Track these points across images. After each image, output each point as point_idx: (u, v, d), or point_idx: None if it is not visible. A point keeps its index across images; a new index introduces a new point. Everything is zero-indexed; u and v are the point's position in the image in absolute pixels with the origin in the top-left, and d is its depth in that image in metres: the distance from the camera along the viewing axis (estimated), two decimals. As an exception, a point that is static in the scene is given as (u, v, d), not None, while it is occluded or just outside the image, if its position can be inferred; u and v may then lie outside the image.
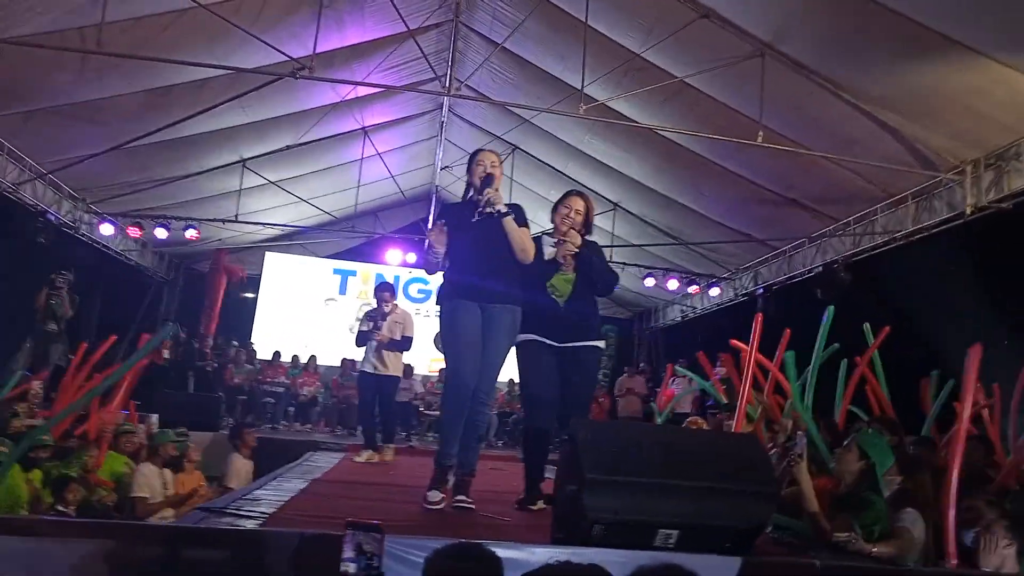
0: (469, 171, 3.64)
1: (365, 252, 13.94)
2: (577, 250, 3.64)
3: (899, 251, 7.87)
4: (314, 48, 6.63)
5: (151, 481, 5.39)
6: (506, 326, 3.50)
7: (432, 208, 12.65)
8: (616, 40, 7.03)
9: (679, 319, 13.30)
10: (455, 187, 11.79)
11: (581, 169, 9.90)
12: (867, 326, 5.09)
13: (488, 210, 3.43)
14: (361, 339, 6.43)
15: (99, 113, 7.58)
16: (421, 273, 11.86)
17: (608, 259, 5.29)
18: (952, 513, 3.11)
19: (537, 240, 3.69)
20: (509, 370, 3.82)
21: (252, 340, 12.44)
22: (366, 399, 6.57)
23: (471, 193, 3.60)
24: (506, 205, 3.53)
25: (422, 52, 7.84)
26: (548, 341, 3.62)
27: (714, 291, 11.63)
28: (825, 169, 7.55)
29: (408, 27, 7.17)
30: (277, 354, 11.17)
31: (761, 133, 6.63)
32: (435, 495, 3.42)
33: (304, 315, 13.14)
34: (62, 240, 9.42)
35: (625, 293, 13.29)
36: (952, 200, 7.07)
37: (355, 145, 10.45)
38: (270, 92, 7.68)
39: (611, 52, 7.06)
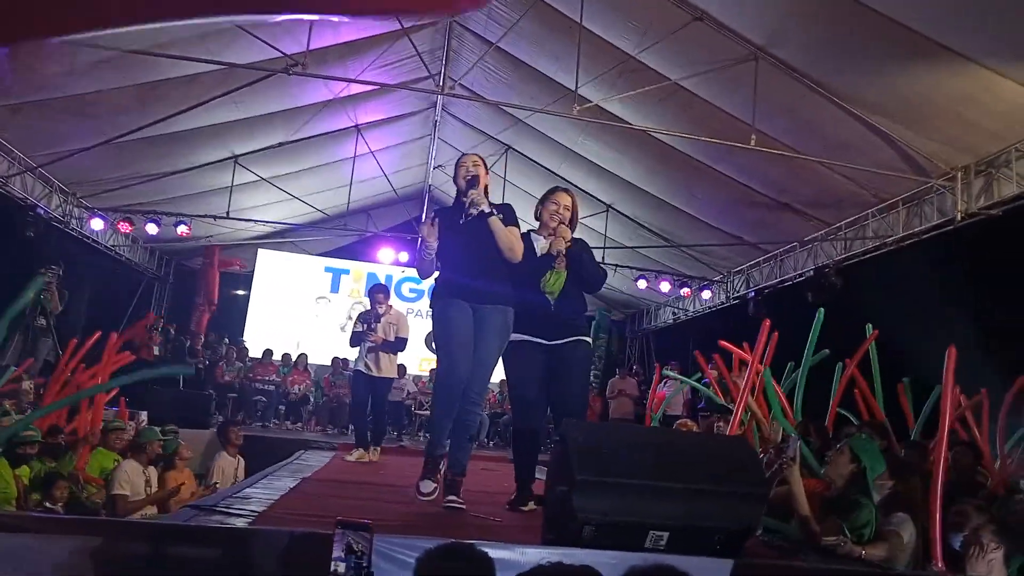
0: (455, 176, 3.69)
1: (357, 250, 13.90)
2: (569, 245, 3.64)
3: (890, 256, 7.92)
4: (308, 44, 6.62)
5: (133, 479, 5.32)
6: (497, 327, 3.51)
7: (425, 207, 12.65)
8: (610, 41, 7.04)
9: (671, 321, 13.34)
10: (448, 186, 11.75)
11: (574, 170, 9.91)
12: (869, 326, 5.11)
13: (472, 211, 3.47)
14: (355, 340, 6.46)
15: (90, 107, 7.53)
16: (414, 272, 11.88)
17: (600, 260, 5.29)
18: (938, 517, 3.14)
19: (526, 237, 3.70)
20: (501, 371, 3.82)
21: (243, 337, 12.38)
22: (359, 398, 6.58)
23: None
24: (496, 205, 3.57)
25: (416, 50, 7.83)
26: (538, 340, 3.62)
27: (706, 294, 11.67)
28: (817, 173, 7.59)
29: (402, 25, 7.16)
30: (268, 352, 11.13)
31: (754, 136, 6.65)
32: (427, 485, 3.45)
33: (296, 313, 13.09)
34: (51, 234, 9.35)
35: (617, 295, 13.31)
36: (943, 206, 7.12)
37: (348, 143, 10.42)
38: (263, 88, 7.66)
39: (605, 53, 7.07)
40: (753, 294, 10.50)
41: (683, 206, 9.63)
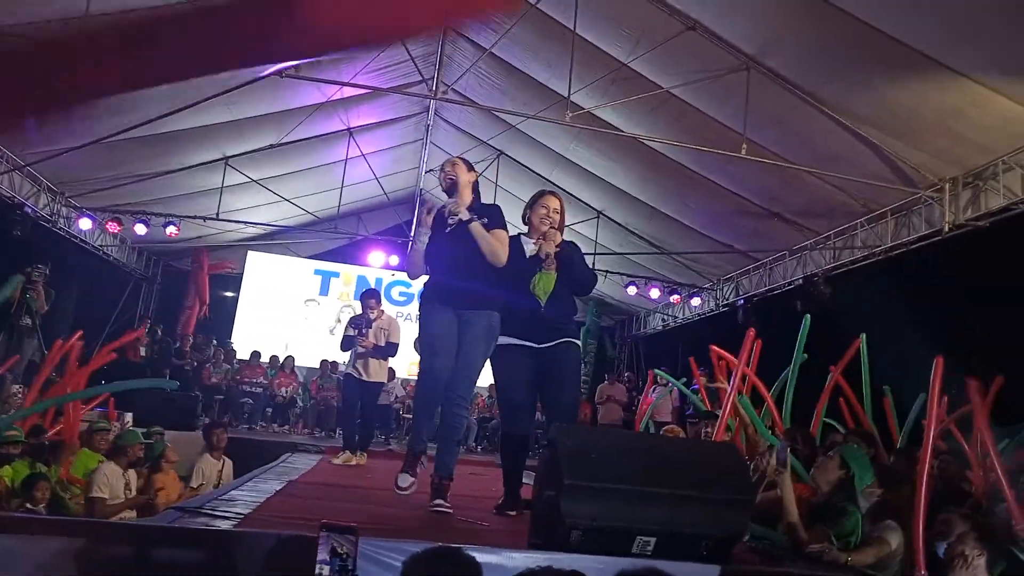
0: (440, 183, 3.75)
1: (347, 253, 13.87)
2: (558, 249, 3.64)
3: (878, 266, 7.98)
4: (301, 47, 6.59)
5: (112, 481, 5.23)
6: (482, 331, 3.54)
7: (416, 211, 12.62)
8: (603, 49, 7.07)
9: (660, 328, 13.37)
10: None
11: (566, 176, 9.93)
12: (864, 336, 5.14)
13: (451, 221, 3.53)
14: (346, 344, 6.47)
15: (80, 105, 7.47)
16: (404, 276, 11.82)
17: (591, 266, 5.29)
18: (921, 526, 3.15)
19: (516, 240, 3.70)
20: (491, 375, 3.81)
21: (231, 339, 12.32)
22: (349, 401, 6.61)
23: None
24: (484, 206, 3.62)
25: (409, 55, 7.83)
26: (527, 343, 3.62)
27: (695, 301, 11.72)
28: (807, 183, 7.64)
29: (397, 29, 7.16)
30: (256, 354, 11.08)
31: (745, 146, 6.70)
32: (405, 479, 3.50)
33: (284, 315, 13.03)
34: (39, 234, 9.28)
35: (607, 300, 13.34)
36: (931, 217, 7.19)
37: (340, 146, 10.41)
38: (255, 90, 7.63)
39: (598, 61, 7.10)
40: (742, 302, 10.55)
41: (674, 213, 9.67)
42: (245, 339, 12.20)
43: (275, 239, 13.24)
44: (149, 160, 9.19)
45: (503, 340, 3.61)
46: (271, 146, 9.69)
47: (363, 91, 8.66)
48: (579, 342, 3.79)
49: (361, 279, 13.20)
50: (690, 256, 10.61)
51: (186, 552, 2.37)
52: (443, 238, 3.57)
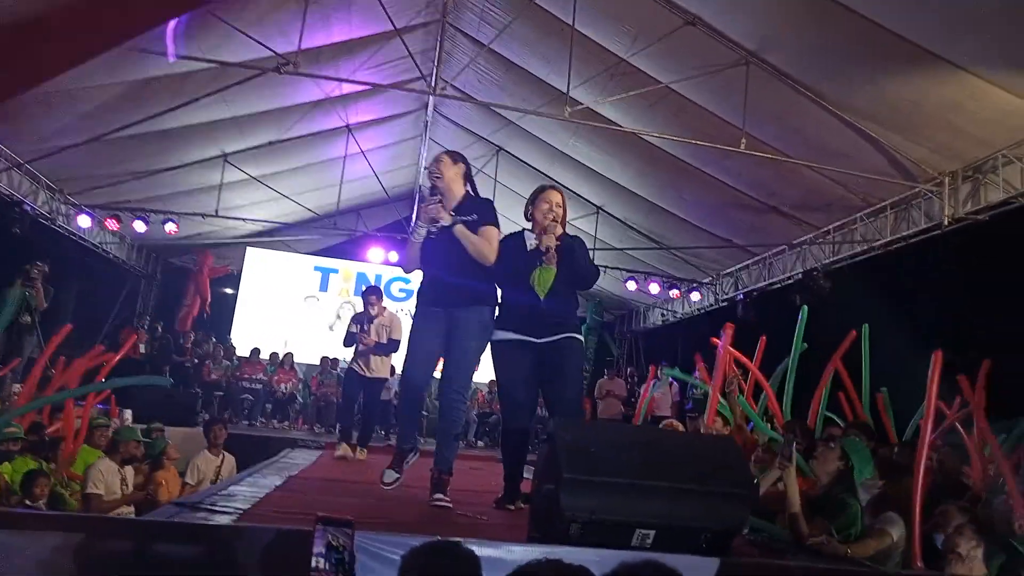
0: None
1: (347, 250, 13.85)
2: (558, 243, 3.62)
3: (878, 260, 7.97)
4: (299, 44, 6.59)
5: (107, 478, 5.23)
6: (472, 328, 3.56)
7: (415, 207, 12.62)
8: (602, 44, 7.06)
9: (660, 323, 13.37)
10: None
11: (565, 172, 9.92)
12: (866, 328, 5.12)
13: (432, 229, 3.55)
14: (348, 340, 6.53)
15: (79, 102, 7.47)
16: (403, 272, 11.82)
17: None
18: (919, 518, 3.16)
19: (519, 235, 3.69)
20: (491, 371, 3.82)
21: (231, 336, 12.32)
22: (350, 396, 6.66)
23: None
24: (476, 200, 3.65)
25: (408, 51, 7.81)
26: (527, 338, 3.60)
27: (695, 296, 11.70)
28: (806, 177, 7.63)
29: (395, 26, 7.15)
30: (256, 351, 11.07)
31: (744, 140, 6.69)
32: (389, 475, 3.58)
33: (284, 312, 13.03)
34: (38, 231, 9.27)
35: (607, 296, 13.34)
36: (930, 211, 7.18)
37: (339, 142, 10.40)
38: (254, 87, 7.62)
39: (597, 56, 7.09)
40: (742, 296, 10.54)
41: (673, 208, 9.66)
42: (245, 336, 12.19)
43: (274, 236, 13.23)
44: (148, 157, 9.18)
45: (503, 335, 3.60)
46: (270, 143, 9.69)
47: (362, 87, 8.65)
48: (581, 337, 3.79)
49: (361, 275, 13.19)
50: (690, 251, 10.60)
51: (185, 547, 2.37)
52: (436, 236, 3.58)
